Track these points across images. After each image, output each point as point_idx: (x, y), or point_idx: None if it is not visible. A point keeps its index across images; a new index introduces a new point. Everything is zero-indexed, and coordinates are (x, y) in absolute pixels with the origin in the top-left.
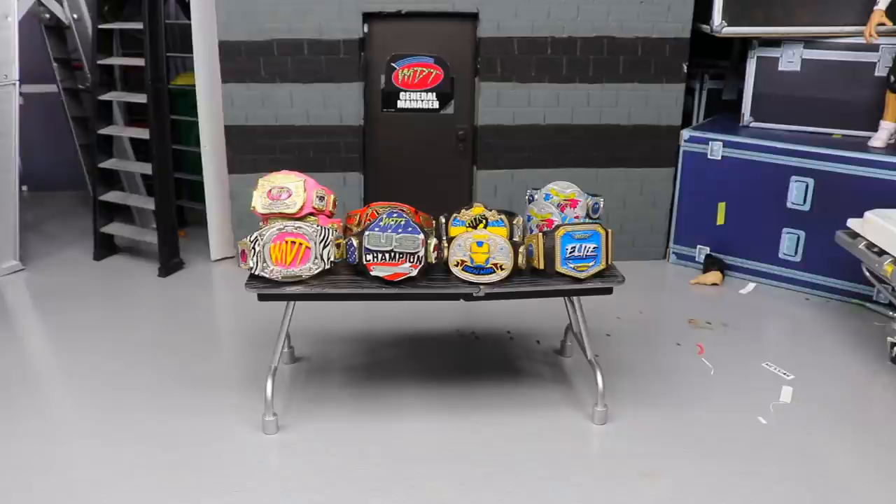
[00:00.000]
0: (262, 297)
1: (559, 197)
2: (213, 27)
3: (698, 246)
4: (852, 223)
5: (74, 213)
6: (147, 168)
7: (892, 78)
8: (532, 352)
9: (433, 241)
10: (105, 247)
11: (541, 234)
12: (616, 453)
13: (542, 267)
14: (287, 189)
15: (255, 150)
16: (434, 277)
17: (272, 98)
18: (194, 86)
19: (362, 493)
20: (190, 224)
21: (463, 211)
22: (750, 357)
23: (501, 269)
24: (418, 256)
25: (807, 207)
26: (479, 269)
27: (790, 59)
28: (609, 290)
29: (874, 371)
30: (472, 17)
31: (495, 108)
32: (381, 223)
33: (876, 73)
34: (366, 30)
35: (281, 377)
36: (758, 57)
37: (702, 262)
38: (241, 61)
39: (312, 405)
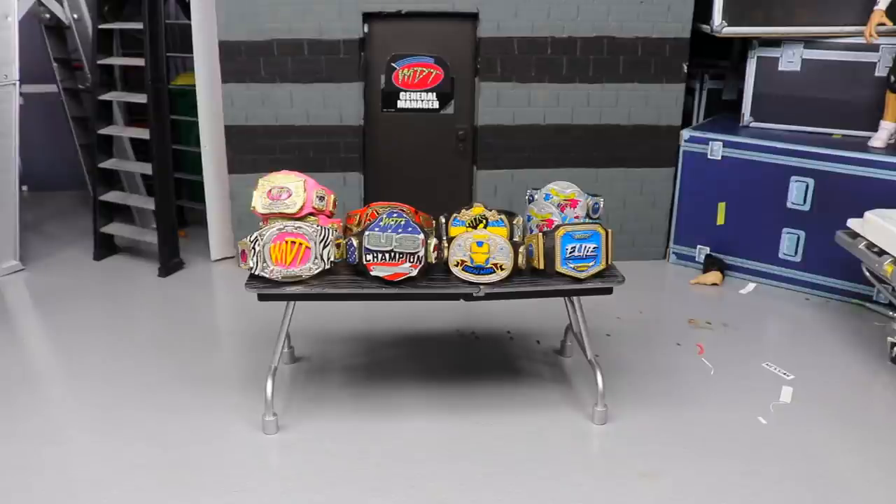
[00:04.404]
0: (262, 297)
1: (559, 197)
2: (213, 27)
3: (698, 246)
4: (852, 223)
5: (74, 213)
6: (147, 168)
7: (892, 78)
8: (532, 352)
9: (433, 241)
10: (105, 247)
11: (541, 234)
12: (616, 453)
13: (542, 267)
14: (287, 189)
15: (255, 150)
16: (434, 277)
17: (272, 98)
18: (194, 86)
19: (362, 493)
20: (190, 224)
21: (463, 211)
22: (750, 357)
23: (501, 269)
24: (418, 256)
25: (807, 207)
26: (479, 269)
27: (790, 59)
28: (609, 290)
29: (874, 371)
30: (472, 17)
31: (495, 108)
32: (381, 223)
33: (876, 73)
34: (366, 30)
35: (281, 377)
36: (758, 57)
37: (702, 262)
38: (241, 61)
39: (312, 405)
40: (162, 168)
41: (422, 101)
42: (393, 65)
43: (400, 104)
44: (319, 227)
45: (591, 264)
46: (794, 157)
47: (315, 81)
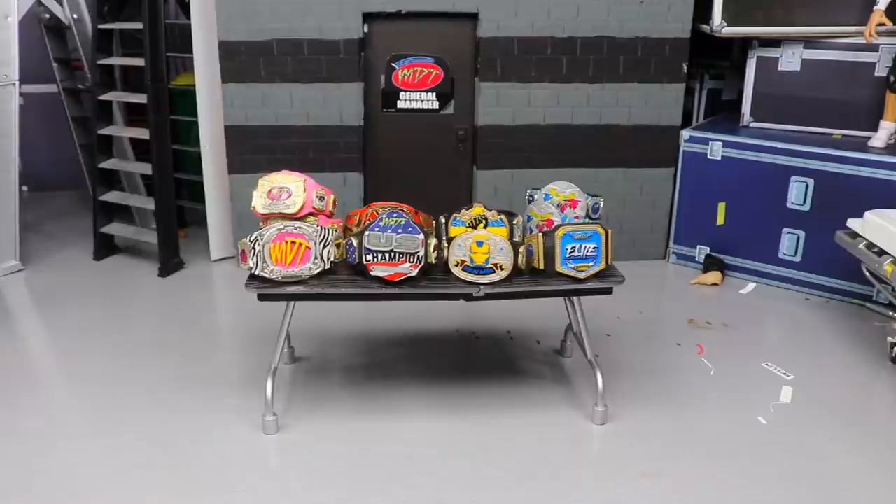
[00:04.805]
0: (262, 297)
1: (559, 197)
2: (213, 27)
3: (698, 246)
4: (852, 223)
5: (74, 213)
6: (147, 168)
7: (892, 78)
8: (532, 352)
9: (433, 241)
10: (105, 247)
11: (541, 234)
12: (616, 453)
13: (542, 267)
14: (287, 189)
15: (255, 150)
16: (434, 277)
17: (272, 98)
18: (194, 86)
19: (362, 493)
20: (190, 224)
21: (463, 211)
22: (750, 357)
23: (501, 269)
24: (418, 256)
25: (807, 207)
26: (479, 269)
27: (790, 59)
28: (609, 290)
29: (874, 371)
30: (472, 17)
31: (495, 108)
32: (381, 223)
33: (876, 73)
34: (366, 30)
35: (281, 377)
36: (758, 57)
37: (702, 262)
38: (241, 61)
39: (312, 405)
40: (162, 168)
41: (422, 101)
42: (393, 65)
43: (400, 104)
44: (319, 227)
45: (590, 264)
46: (794, 157)
47: (315, 81)
